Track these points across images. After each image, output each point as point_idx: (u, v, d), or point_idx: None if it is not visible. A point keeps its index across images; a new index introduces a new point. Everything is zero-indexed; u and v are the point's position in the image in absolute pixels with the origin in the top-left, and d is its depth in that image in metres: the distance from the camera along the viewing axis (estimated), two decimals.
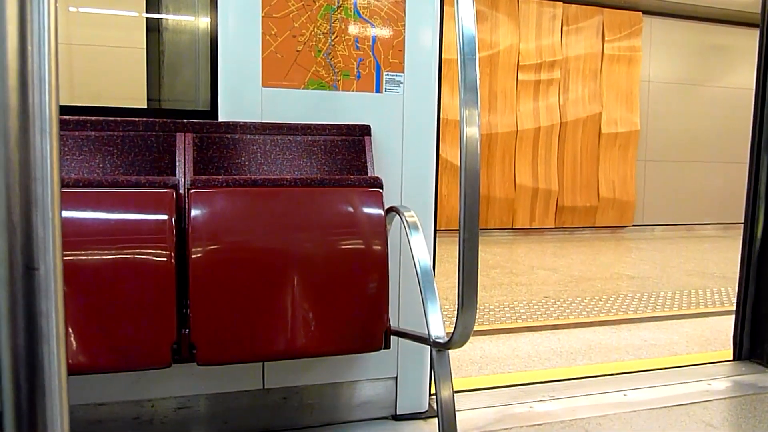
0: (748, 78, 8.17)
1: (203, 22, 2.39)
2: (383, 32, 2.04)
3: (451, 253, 1.36)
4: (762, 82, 2.76)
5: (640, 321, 3.71)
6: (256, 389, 2.02)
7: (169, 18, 2.53)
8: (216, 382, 1.97)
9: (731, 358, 2.90)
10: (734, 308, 2.94)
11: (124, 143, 1.80)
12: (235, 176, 1.69)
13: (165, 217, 1.57)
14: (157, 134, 1.83)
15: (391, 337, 1.77)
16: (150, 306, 1.53)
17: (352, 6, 2.00)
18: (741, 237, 2.89)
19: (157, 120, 1.84)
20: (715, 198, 9.00)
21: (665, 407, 2.33)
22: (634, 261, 6.39)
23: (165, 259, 1.54)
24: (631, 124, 8.37)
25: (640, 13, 8.27)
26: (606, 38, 8.15)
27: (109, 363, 1.53)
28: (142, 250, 1.53)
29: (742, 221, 2.89)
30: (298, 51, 1.97)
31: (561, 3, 7.87)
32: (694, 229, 8.98)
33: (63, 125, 1.74)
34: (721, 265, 6.01)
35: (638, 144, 8.48)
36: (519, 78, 7.80)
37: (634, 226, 8.62)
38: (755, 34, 2.83)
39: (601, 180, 8.33)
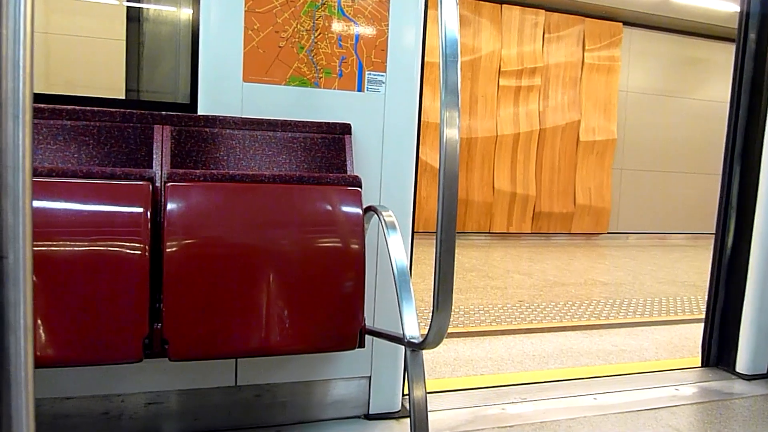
0: (722, 91, 8.36)
1: (185, 13, 2.36)
2: (366, 31, 2.04)
3: (428, 255, 1.37)
4: (737, 96, 2.83)
5: (611, 327, 3.77)
6: (228, 386, 2.00)
7: (150, 8, 2.50)
8: (188, 378, 1.95)
9: (699, 364, 2.95)
10: (703, 316, 3.00)
11: (101, 134, 1.77)
12: (212, 171, 1.68)
13: (140, 209, 1.55)
14: (135, 126, 1.80)
15: (366, 336, 1.77)
16: (122, 299, 1.51)
17: (336, 4, 2.00)
18: (710, 247, 2.95)
19: (135, 111, 1.81)
20: (687, 208, 9.18)
21: (633, 411, 2.37)
22: (608, 268, 6.48)
23: (139, 252, 1.52)
24: (608, 133, 8.50)
25: (621, 24, 8.40)
26: (586, 47, 8.26)
27: (78, 356, 1.50)
28: (115, 243, 1.51)
29: (712, 232, 2.95)
30: (280, 47, 1.95)
31: (543, 11, 7.96)
32: (666, 238, 9.15)
33: (37, 113, 1.71)
34: (691, 273, 6.13)
35: (615, 153, 8.61)
36: (500, 83, 7.87)
37: (608, 233, 8.75)
38: (731, 48, 2.90)
39: (578, 187, 8.44)
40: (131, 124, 1.80)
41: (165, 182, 1.61)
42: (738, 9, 2.82)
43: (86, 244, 1.49)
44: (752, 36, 2.77)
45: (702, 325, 3.00)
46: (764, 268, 2.73)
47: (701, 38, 8.92)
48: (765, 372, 2.80)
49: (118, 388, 1.88)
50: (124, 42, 2.41)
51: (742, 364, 2.80)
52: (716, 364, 2.93)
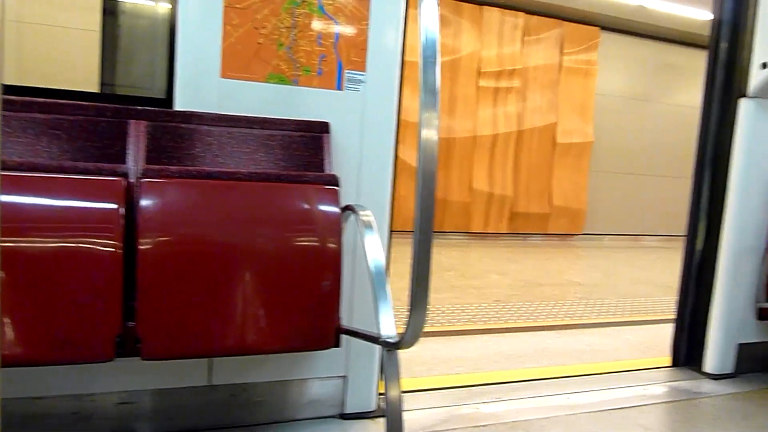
0: (695, 97, 8.56)
1: (163, 7, 2.33)
2: (346, 30, 2.03)
3: (405, 253, 1.38)
4: (708, 103, 2.89)
5: (585, 327, 3.82)
6: (202, 385, 1.98)
7: (126, 1, 2.46)
8: (161, 377, 1.92)
9: (669, 364, 3.01)
10: (674, 317, 3.05)
11: (73, 128, 1.74)
12: (189, 167, 1.66)
13: (114, 206, 1.53)
14: (109, 120, 1.77)
15: (342, 335, 1.77)
16: (94, 297, 1.49)
17: (317, 2, 1.99)
18: (682, 249, 3.01)
19: (109, 105, 1.78)
20: (661, 211, 9.35)
21: (605, 410, 2.41)
22: (583, 268, 6.57)
23: (112, 249, 1.50)
24: (585, 135, 8.61)
25: (598, 28, 8.51)
26: (564, 50, 8.36)
27: (48, 355, 1.47)
28: (87, 240, 1.48)
29: (684, 234, 3.01)
30: (259, 44, 1.94)
31: (523, 13, 8.03)
32: (640, 240, 9.31)
33: (7, 105, 1.67)
34: (663, 274, 6.24)
35: (591, 155, 8.73)
36: (479, 84, 7.91)
37: (584, 234, 8.87)
38: (704, 55, 2.96)
39: (554, 188, 8.53)
40: (105, 119, 1.77)
41: (139, 178, 1.59)
42: (711, 17, 2.88)
43: (57, 240, 1.46)
44: (723, 45, 2.83)
45: (672, 325, 3.06)
46: (732, 271, 2.79)
47: (676, 44, 9.09)
48: (731, 372, 2.87)
49: (89, 387, 1.85)
50: (100, 34, 2.37)
51: (709, 364, 2.87)
52: (685, 364, 2.99)
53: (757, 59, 2.68)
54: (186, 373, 1.95)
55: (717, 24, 2.84)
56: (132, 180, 1.64)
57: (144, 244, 1.52)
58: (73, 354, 1.50)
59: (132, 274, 1.52)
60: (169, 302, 1.53)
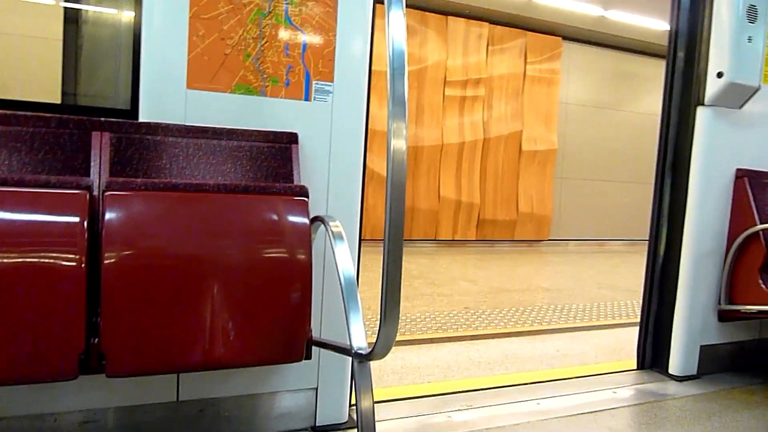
0: (655, 105, 8.79)
1: (127, 16, 2.29)
2: (314, 40, 2.03)
3: (375, 262, 1.38)
4: (667, 110, 2.97)
5: (554, 332, 3.87)
6: (169, 401, 1.94)
7: (89, 9, 2.41)
8: (126, 394, 1.88)
9: (635, 367, 3.07)
10: (639, 320, 3.12)
11: (34, 140, 1.69)
12: (154, 179, 1.63)
13: (76, 219, 1.49)
14: (71, 132, 1.73)
15: (313, 347, 1.76)
16: (57, 314, 1.44)
17: (284, 12, 1.98)
18: (645, 253, 3.08)
19: (71, 117, 1.74)
20: (624, 216, 9.57)
21: (574, 415, 2.44)
22: (550, 274, 6.66)
23: (75, 264, 1.46)
24: (549, 143, 8.76)
25: (560, 38, 8.70)
26: (528, 60, 8.51)
27: (8, 374, 1.42)
28: (49, 255, 1.44)
29: (647, 239, 3.08)
30: (226, 54, 1.92)
31: (487, 23, 8.16)
32: (605, 245, 9.51)
33: None
34: (628, 279, 6.38)
35: (555, 162, 8.89)
36: (446, 93, 7.99)
37: (550, 240, 9.02)
38: (662, 64, 3.05)
39: (521, 195, 8.65)
40: (67, 130, 1.73)
41: (103, 191, 1.56)
42: (668, 28, 2.97)
43: (17, 255, 1.41)
44: (681, 54, 2.92)
45: (637, 328, 3.12)
46: (693, 275, 2.87)
47: (636, 54, 9.36)
48: (695, 373, 2.94)
49: (52, 406, 1.79)
50: (61, 43, 2.32)
51: (674, 366, 2.94)
52: (651, 367, 3.05)
53: (712, 69, 2.77)
54: (152, 389, 1.91)
55: (674, 35, 2.93)
56: (96, 193, 1.61)
57: (108, 259, 1.48)
58: (35, 373, 1.45)
59: (96, 289, 1.48)
60: (135, 317, 1.50)
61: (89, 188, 1.54)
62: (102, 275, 1.47)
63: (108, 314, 1.48)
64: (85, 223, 1.49)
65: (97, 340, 1.49)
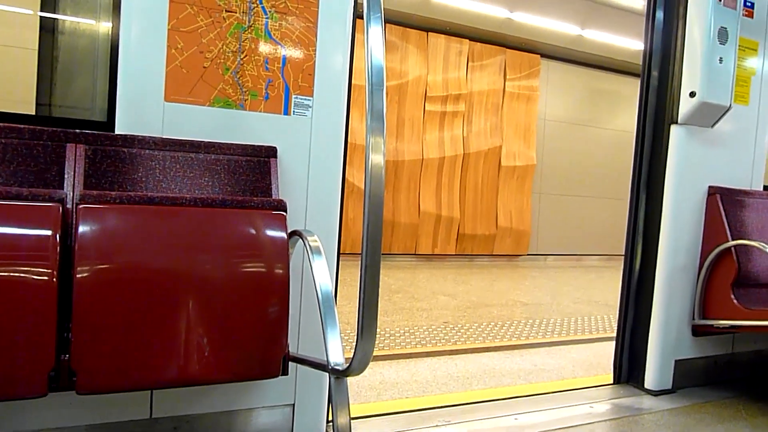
0: (630, 122, 8.98)
1: (104, 27, 2.27)
2: (294, 55, 2.04)
3: (354, 276, 1.38)
4: (642, 128, 3.03)
5: (532, 346, 3.89)
6: (143, 419, 1.90)
7: (66, 19, 2.39)
8: (98, 412, 1.83)
9: (612, 381, 3.10)
10: (615, 335, 3.15)
11: (6, 151, 1.66)
12: (129, 193, 1.61)
13: (49, 233, 1.46)
14: (45, 144, 1.70)
15: (290, 363, 1.74)
16: (26, 329, 1.41)
17: (263, 26, 1.99)
18: (622, 268, 3.12)
19: (45, 128, 1.71)
20: (601, 231, 9.69)
21: (552, 429, 2.45)
22: (528, 288, 6.70)
23: (46, 278, 1.43)
24: (528, 159, 8.86)
25: (539, 56, 8.84)
26: (507, 76, 8.62)
27: None
28: (20, 269, 1.41)
29: (623, 254, 3.12)
30: (204, 67, 1.92)
31: (467, 40, 8.26)
32: (582, 260, 9.61)
33: None
34: (605, 293, 6.45)
35: (534, 177, 8.99)
36: (426, 108, 8.05)
37: (528, 254, 9.08)
38: (637, 82, 3.11)
39: (500, 210, 8.72)
40: (41, 142, 1.70)
41: (77, 204, 1.53)
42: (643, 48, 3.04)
43: None
44: (654, 73, 2.99)
45: (614, 343, 3.15)
46: (668, 290, 2.91)
47: (612, 72, 9.55)
48: (670, 387, 2.97)
49: (20, 425, 1.74)
50: (36, 53, 2.29)
51: (649, 381, 2.96)
52: (627, 381, 3.08)
53: (685, 88, 2.84)
54: (125, 407, 1.87)
55: (648, 54, 2.99)
56: (69, 206, 1.58)
57: (81, 273, 1.45)
58: (2, 390, 1.41)
59: (68, 305, 1.45)
60: (107, 333, 1.47)
61: (62, 201, 1.51)
62: (74, 290, 1.44)
63: (79, 330, 1.45)
64: (58, 237, 1.46)
65: (67, 356, 1.46)
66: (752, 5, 3.09)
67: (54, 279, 1.43)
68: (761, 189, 3.22)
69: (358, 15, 2.04)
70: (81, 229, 1.49)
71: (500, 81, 8.58)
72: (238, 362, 1.63)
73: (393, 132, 7.82)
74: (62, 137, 1.72)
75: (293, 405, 2.12)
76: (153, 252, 1.54)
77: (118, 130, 1.83)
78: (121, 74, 1.84)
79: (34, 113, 2.20)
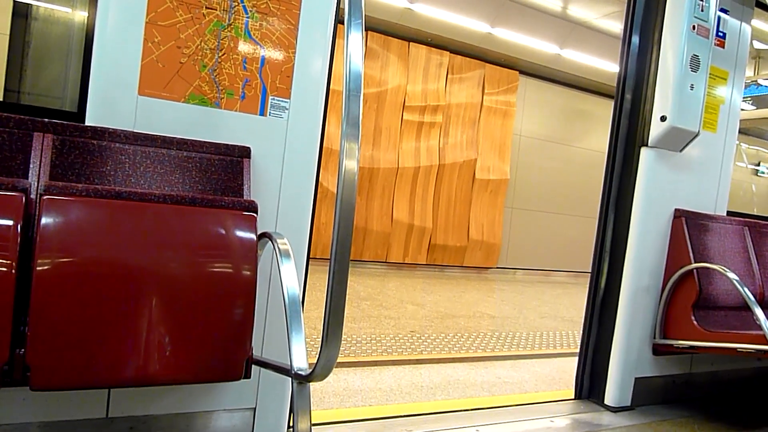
0: (602, 142, 9.17)
1: (80, 16, 2.23)
2: (273, 56, 2.02)
3: (324, 281, 1.37)
4: (613, 149, 3.09)
5: (496, 359, 3.91)
6: (98, 418, 1.85)
7: (41, 5, 2.34)
8: (52, 409, 1.78)
9: (573, 396, 3.13)
10: (578, 350, 3.19)
11: None
12: (96, 186, 1.57)
13: (10, 222, 1.42)
14: (11, 131, 1.66)
15: (253, 366, 1.72)
16: None
17: (243, 26, 1.97)
18: (588, 286, 3.17)
19: (12, 116, 1.67)
20: (570, 248, 9.83)
21: None
22: (496, 301, 6.76)
23: (5, 269, 1.38)
24: (502, 173, 8.96)
25: (517, 72, 8.97)
26: (486, 91, 8.72)
27: None
28: None
29: (590, 271, 3.17)
30: (181, 63, 1.89)
31: (448, 53, 8.33)
32: (550, 275, 9.73)
33: None
34: (571, 309, 6.54)
35: (507, 192, 9.09)
36: (404, 117, 8.09)
37: (498, 267, 9.17)
38: (611, 104, 3.17)
39: (472, 222, 8.79)
40: (7, 129, 1.66)
41: (41, 194, 1.49)
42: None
43: None
44: (628, 96, 3.05)
45: (577, 359, 3.19)
46: (631, 309, 2.97)
47: (587, 93, 9.74)
48: (629, 404, 3.02)
49: None
50: (7, 38, 2.23)
51: (609, 398, 3.01)
52: (588, 397, 3.12)
53: (656, 112, 2.91)
54: (80, 405, 1.82)
55: (623, 77, 3.06)
56: (33, 196, 1.54)
57: (40, 266, 1.41)
58: None
59: (25, 298, 1.41)
60: (65, 328, 1.43)
61: (26, 191, 1.48)
62: (33, 283, 1.40)
63: (36, 324, 1.41)
64: (19, 227, 1.42)
65: (23, 351, 1.42)
66: (724, 35, 3.19)
67: (13, 270, 1.39)
68: (725, 214, 3.31)
69: (339, 20, 2.04)
70: (44, 220, 1.45)
71: (478, 95, 8.67)
72: (199, 363, 1.60)
73: (369, 139, 7.83)
74: (30, 125, 1.68)
75: (254, 409, 2.10)
76: (117, 247, 1.51)
77: (89, 122, 1.80)
78: (94, 65, 1.80)
79: (1, 99, 2.14)
